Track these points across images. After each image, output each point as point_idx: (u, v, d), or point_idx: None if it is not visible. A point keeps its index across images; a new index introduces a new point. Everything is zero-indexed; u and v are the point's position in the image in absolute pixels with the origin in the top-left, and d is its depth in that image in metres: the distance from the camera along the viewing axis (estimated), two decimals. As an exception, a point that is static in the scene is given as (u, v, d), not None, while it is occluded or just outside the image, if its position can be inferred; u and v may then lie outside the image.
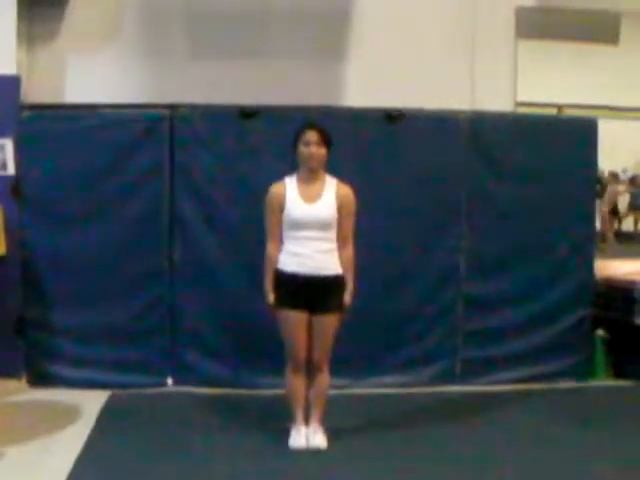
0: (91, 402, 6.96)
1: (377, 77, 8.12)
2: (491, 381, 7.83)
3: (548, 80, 13.50)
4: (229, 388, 7.48)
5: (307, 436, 6.03)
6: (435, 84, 8.44)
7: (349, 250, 6.04)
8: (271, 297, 6.00)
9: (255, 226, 7.18)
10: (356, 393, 7.45)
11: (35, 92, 8.11)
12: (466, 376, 7.85)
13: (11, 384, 7.42)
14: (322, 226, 5.92)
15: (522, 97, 9.46)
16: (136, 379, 7.49)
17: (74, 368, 7.46)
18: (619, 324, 8.14)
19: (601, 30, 10.30)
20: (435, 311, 7.83)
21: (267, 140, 7.50)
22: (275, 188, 6.03)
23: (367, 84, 8.30)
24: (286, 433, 6.07)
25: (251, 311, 7.45)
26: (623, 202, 17.33)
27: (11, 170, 7.54)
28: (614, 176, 16.46)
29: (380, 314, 7.63)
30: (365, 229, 6.72)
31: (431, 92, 8.20)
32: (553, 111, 13.31)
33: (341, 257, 6.00)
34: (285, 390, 6.19)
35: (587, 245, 8.13)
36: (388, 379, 7.69)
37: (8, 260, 7.43)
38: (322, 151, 5.93)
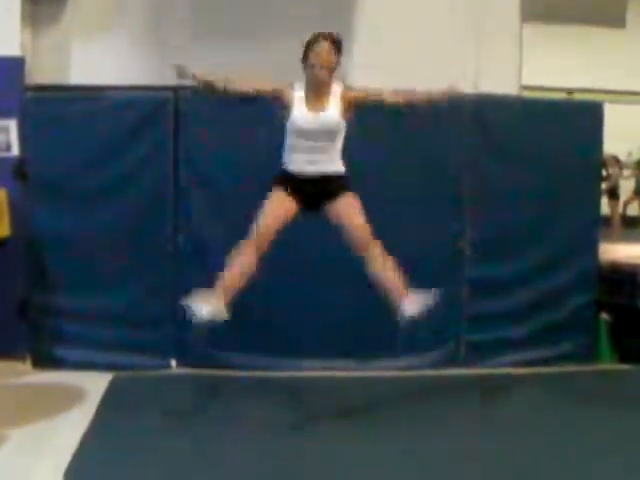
0: (95, 384, 6.98)
1: (382, 60, 8.08)
2: (495, 364, 7.84)
3: (553, 63, 13.44)
4: (232, 370, 7.49)
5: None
6: (440, 67, 8.39)
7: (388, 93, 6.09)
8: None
9: (259, 207, 7.19)
10: (360, 376, 7.47)
11: (39, 73, 8.09)
12: (471, 359, 7.87)
13: (15, 366, 7.44)
14: (328, 135, 5.92)
15: (527, 81, 9.42)
16: (140, 361, 7.51)
17: (78, 350, 7.48)
18: (623, 308, 8.15)
19: (607, 13, 10.26)
20: (440, 295, 7.83)
21: (272, 123, 7.47)
22: (285, 89, 6.03)
23: (372, 67, 8.27)
24: (290, 415, 6.12)
25: (255, 294, 7.45)
26: (629, 186, 17.30)
27: (15, 151, 7.56)
28: (616, 160, 16.44)
29: (384, 297, 7.63)
30: (369, 213, 6.71)
31: (436, 75, 8.13)
32: (558, 94, 13.24)
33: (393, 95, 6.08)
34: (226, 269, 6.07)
35: (592, 229, 8.13)
36: (393, 362, 7.69)
37: (12, 242, 7.44)
38: (333, 60, 5.87)
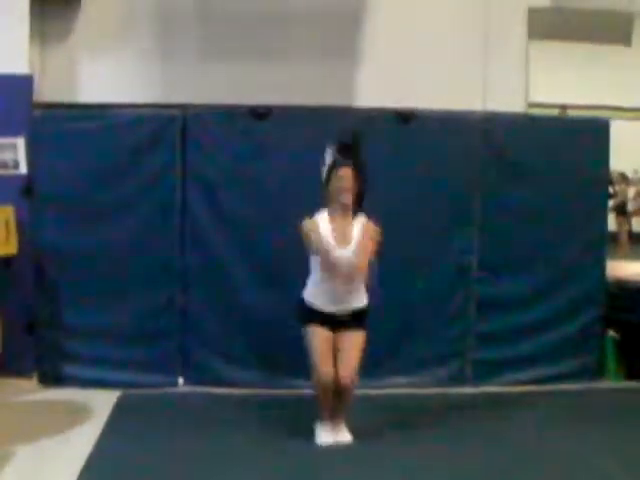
0: (102, 401, 6.98)
1: (390, 78, 8.12)
2: (502, 382, 7.82)
3: (560, 81, 13.44)
4: (240, 388, 7.49)
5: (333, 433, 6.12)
6: (448, 85, 8.43)
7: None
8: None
9: (267, 226, 7.23)
10: (367, 394, 7.43)
11: (47, 91, 8.12)
12: (477, 377, 7.84)
13: (22, 383, 7.45)
14: (353, 267, 6.01)
15: (534, 98, 9.43)
16: (147, 379, 7.50)
17: (85, 367, 7.48)
18: (631, 325, 8.12)
19: (614, 31, 10.28)
20: (447, 312, 7.82)
21: (279, 141, 7.50)
22: (310, 223, 6.08)
23: (380, 85, 8.30)
24: (295, 433, 6.14)
25: (262, 311, 7.48)
26: (634, 204, 17.32)
27: (23, 169, 7.57)
28: (623, 177, 16.51)
29: (391, 315, 7.61)
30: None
31: (444, 93, 8.19)
32: (567, 112, 13.25)
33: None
34: (315, 396, 6.20)
35: (599, 246, 8.11)
36: (399, 380, 7.68)
37: (20, 259, 7.45)
38: (355, 185, 6.04)
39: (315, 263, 6.12)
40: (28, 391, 7.34)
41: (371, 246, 6.10)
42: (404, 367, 7.72)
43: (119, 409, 6.88)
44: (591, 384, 7.94)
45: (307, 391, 6.66)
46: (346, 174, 6.01)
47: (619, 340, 8.18)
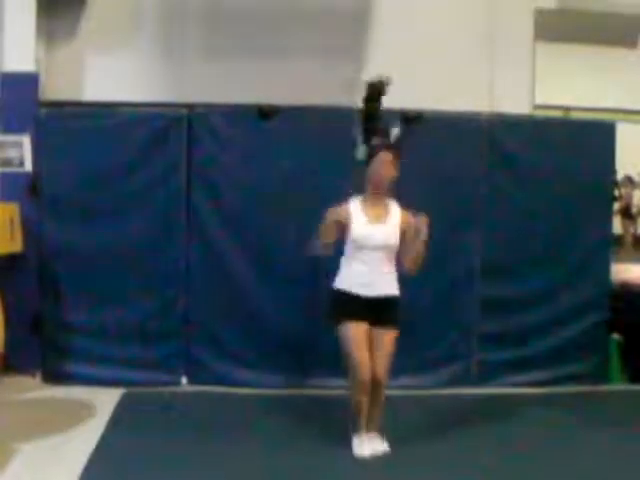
0: (105, 400, 6.99)
1: (395, 78, 8.08)
2: (506, 384, 7.81)
3: (566, 83, 13.44)
4: (243, 387, 7.49)
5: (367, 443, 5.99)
6: (453, 86, 8.41)
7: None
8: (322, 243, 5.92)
9: (272, 226, 7.22)
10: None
11: (53, 90, 8.13)
12: (481, 378, 7.84)
13: (26, 381, 7.48)
14: (387, 248, 5.96)
15: (540, 100, 9.43)
16: (150, 377, 7.51)
17: (89, 365, 7.49)
18: (635, 328, 8.10)
19: (620, 33, 10.26)
20: (451, 313, 7.81)
21: (284, 139, 7.50)
22: (340, 207, 6.00)
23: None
24: (298, 432, 6.13)
25: (266, 311, 7.48)
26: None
27: (28, 167, 7.59)
28: (629, 179, 16.48)
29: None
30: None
31: (449, 94, 8.17)
32: (571, 114, 13.24)
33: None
34: (352, 404, 6.05)
35: (604, 249, 8.10)
36: (404, 381, 7.65)
37: (25, 257, 7.48)
38: (394, 172, 5.98)
39: (348, 247, 6.01)
40: (32, 389, 7.36)
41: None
42: (409, 368, 7.71)
43: (122, 407, 6.89)
44: (595, 387, 7.93)
45: (309, 391, 6.69)
46: (386, 159, 5.93)
47: (623, 343, 8.17)
